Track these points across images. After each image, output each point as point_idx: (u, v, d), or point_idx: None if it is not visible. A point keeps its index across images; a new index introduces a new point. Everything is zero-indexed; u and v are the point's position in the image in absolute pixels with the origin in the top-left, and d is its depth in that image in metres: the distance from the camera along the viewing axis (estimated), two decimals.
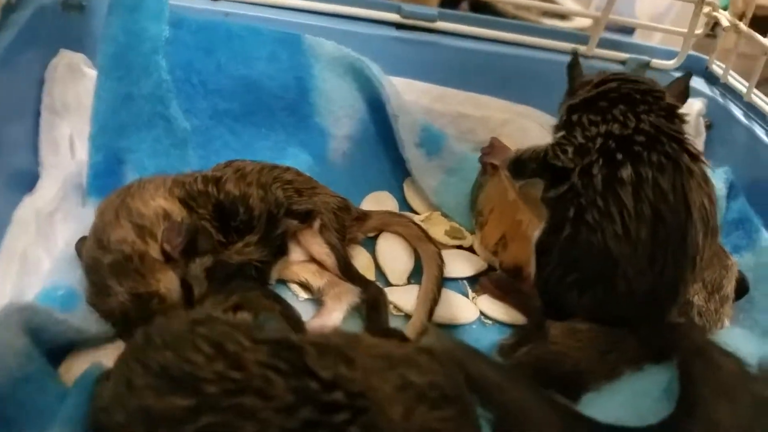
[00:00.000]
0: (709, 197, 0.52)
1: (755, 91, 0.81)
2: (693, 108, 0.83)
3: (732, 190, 0.76)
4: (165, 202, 0.54)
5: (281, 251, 0.61)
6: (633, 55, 0.88)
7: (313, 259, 0.63)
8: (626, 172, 0.51)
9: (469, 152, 0.82)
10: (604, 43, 0.88)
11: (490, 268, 0.72)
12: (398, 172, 0.80)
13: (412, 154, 0.77)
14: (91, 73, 0.70)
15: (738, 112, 0.83)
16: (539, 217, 0.60)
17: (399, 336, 0.51)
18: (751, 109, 0.82)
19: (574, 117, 0.57)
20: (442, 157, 0.80)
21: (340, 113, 0.79)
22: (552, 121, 0.87)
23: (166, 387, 0.36)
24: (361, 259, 0.68)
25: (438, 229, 0.74)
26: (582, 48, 0.87)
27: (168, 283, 0.49)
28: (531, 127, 0.86)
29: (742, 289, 0.66)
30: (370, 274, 0.67)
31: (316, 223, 0.63)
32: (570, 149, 0.55)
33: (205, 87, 0.72)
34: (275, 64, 0.74)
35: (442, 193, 0.78)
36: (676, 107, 0.56)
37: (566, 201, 0.54)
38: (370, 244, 0.71)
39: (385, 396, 0.35)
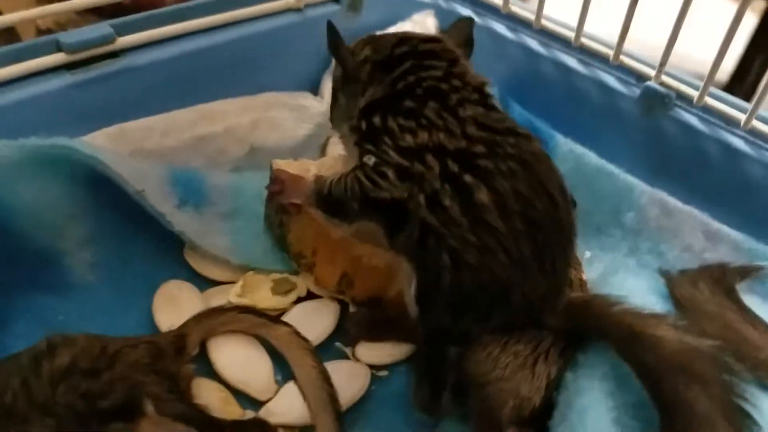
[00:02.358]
0: (556, 171, 0.49)
1: None
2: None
3: (504, 104, 0.74)
4: None
5: None
6: None
7: None
8: (484, 195, 0.45)
9: (237, 180, 0.67)
10: None
11: (344, 303, 0.61)
12: (173, 248, 0.62)
13: (181, 221, 0.60)
14: None
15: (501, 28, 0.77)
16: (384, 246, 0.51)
17: None
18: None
19: (376, 121, 0.48)
20: (213, 201, 0.64)
21: (61, 220, 0.56)
22: (300, 97, 0.76)
23: None
24: (210, 393, 0.52)
25: (263, 294, 0.60)
26: (291, 2, 0.74)
27: None
28: (282, 117, 0.72)
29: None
30: (231, 406, 0.52)
31: (148, 407, 0.45)
32: (390, 172, 0.46)
33: None
34: None
35: (239, 248, 0.62)
36: (482, 84, 0.50)
37: (432, 248, 0.46)
38: (204, 361, 0.55)
39: None
